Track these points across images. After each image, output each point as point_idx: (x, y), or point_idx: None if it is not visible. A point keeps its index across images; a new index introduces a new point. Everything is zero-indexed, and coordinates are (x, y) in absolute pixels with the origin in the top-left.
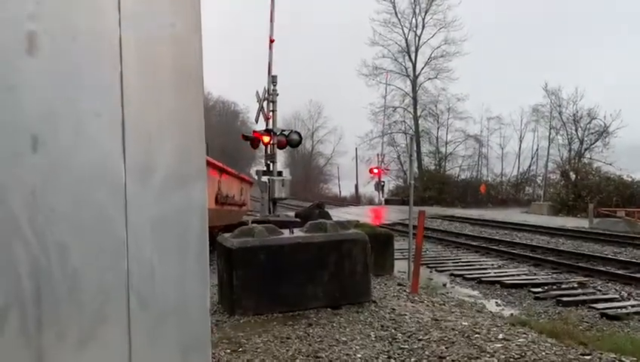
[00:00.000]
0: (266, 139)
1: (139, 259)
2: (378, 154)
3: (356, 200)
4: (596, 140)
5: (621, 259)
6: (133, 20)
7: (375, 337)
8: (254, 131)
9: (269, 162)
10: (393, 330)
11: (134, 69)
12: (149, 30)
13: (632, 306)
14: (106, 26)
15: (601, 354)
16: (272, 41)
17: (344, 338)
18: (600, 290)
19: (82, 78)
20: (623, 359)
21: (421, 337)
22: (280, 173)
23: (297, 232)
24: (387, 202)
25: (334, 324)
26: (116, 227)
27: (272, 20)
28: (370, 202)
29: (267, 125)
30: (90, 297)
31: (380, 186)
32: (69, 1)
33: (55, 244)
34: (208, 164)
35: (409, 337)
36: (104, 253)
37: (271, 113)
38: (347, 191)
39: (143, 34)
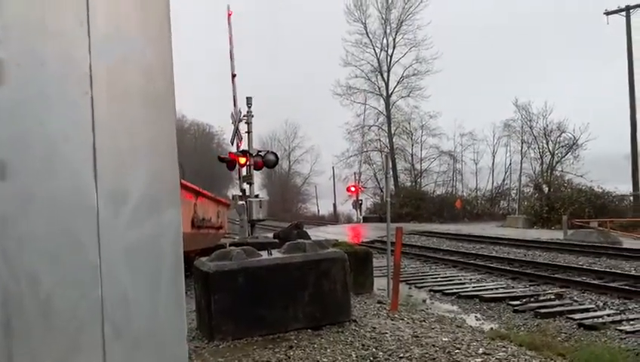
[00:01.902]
0: (242, 160)
1: (113, 286)
2: (355, 173)
3: (335, 218)
4: (567, 153)
5: (596, 269)
6: (103, 46)
7: (356, 357)
8: (230, 153)
9: (245, 183)
10: (374, 349)
11: (105, 94)
12: (119, 55)
13: (608, 315)
14: (76, 52)
15: None
16: (234, 76)
17: (325, 360)
18: (577, 301)
19: (52, 104)
20: None
21: (402, 355)
22: (256, 196)
23: (276, 253)
24: (365, 220)
25: (315, 346)
26: (89, 254)
27: (231, 58)
28: (349, 220)
29: (238, 149)
30: (63, 326)
31: (357, 204)
32: (36, 28)
33: (26, 273)
34: (184, 187)
35: (390, 355)
36: (77, 280)
37: (244, 136)
38: (325, 210)
39: (114, 59)
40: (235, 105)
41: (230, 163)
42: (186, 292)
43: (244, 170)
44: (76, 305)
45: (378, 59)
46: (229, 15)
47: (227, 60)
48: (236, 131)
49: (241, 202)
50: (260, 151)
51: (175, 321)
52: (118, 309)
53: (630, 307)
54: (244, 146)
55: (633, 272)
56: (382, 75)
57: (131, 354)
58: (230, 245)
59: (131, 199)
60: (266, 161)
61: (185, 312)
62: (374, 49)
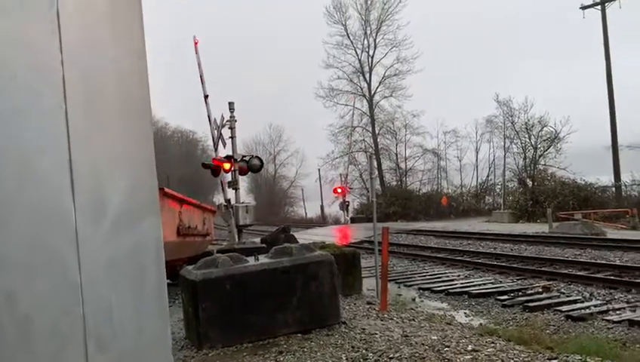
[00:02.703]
0: (227, 166)
1: (94, 301)
2: (341, 174)
3: (322, 220)
4: (549, 147)
5: (581, 260)
6: (75, 57)
7: (347, 359)
8: (214, 159)
9: (231, 189)
10: (364, 350)
11: (80, 105)
12: (92, 66)
13: (595, 306)
14: (47, 63)
15: (567, 356)
16: (206, 96)
17: None
18: (564, 293)
19: (24, 117)
20: (589, 360)
21: (392, 355)
22: (242, 203)
23: (263, 258)
24: (353, 221)
25: (305, 350)
26: (68, 270)
27: (202, 82)
28: (336, 222)
29: (214, 142)
30: (45, 344)
31: (344, 205)
32: (6, 39)
33: (3, 292)
34: (168, 195)
35: (380, 356)
36: (57, 298)
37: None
38: (313, 212)
39: (87, 70)
40: (210, 123)
41: (215, 169)
42: (174, 301)
43: (228, 176)
44: (57, 323)
45: (359, 60)
46: (196, 44)
47: (212, 64)
48: (219, 137)
49: (225, 209)
50: (245, 156)
51: (159, 333)
52: (101, 325)
53: (616, 297)
54: (227, 152)
55: (617, 262)
56: (364, 76)
57: None
58: (217, 252)
59: (110, 212)
60: (250, 166)
61: (169, 324)
62: (355, 50)
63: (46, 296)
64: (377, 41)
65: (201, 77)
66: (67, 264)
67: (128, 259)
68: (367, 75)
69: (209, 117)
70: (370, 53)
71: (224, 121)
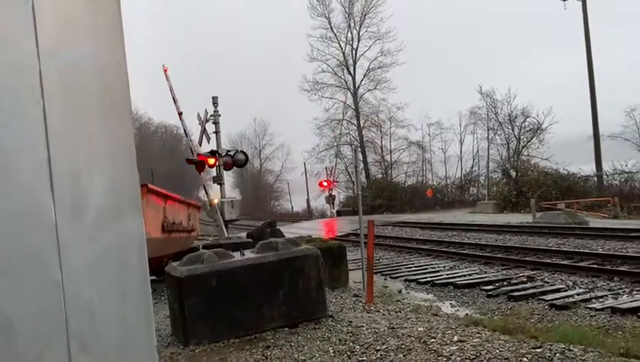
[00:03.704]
0: (212, 161)
1: (77, 301)
2: (327, 168)
3: (308, 214)
4: (532, 138)
5: (565, 249)
6: (53, 53)
7: (334, 352)
8: (199, 154)
9: (216, 184)
10: (351, 343)
11: (58, 103)
12: (71, 62)
13: (578, 294)
14: (23, 59)
15: (551, 345)
16: (180, 113)
17: (303, 357)
18: (547, 282)
19: (2, 116)
20: (572, 348)
21: (379, 347)
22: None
23: (248, 253)
24: (339, 214)
25: (292, 344)
26: (50, 270)
27: (175, 101)
28: (323, 215)
29: (193, 154)
30: (26, 347)
31: (330, 199)
32: None
33: None
34: (151, 191)
35: (367, 349)
36: (39, 299)
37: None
38: (299, 206)
39: (65, 66)
40: (186, 135)
41: (199, 164)
42: (160, 297)
43: (213, 171)
44: (39, 324)
45: (344, 53)
46: (165, 70)
47: (193, 59)
48: (203, 132)
49: (209, 204)
50: (230, 151)
51: (143, 332)
52: (83, 325)
53: (599, 285)
54: (212, 147)
55: (600, 251)
56: (348, 69)
57: None
58: (203, 247)
59: (91, 210)
60: (235, 161)
61: (153, 322)
62: (339, 43)
63: (27, 297)
64: (361, 33)
65: (173, 98)
66: (48, 264)
67: (110, 258)
68: (351, 68)
69: (185, 131)
70: (354, 45)
71: (208, 116)
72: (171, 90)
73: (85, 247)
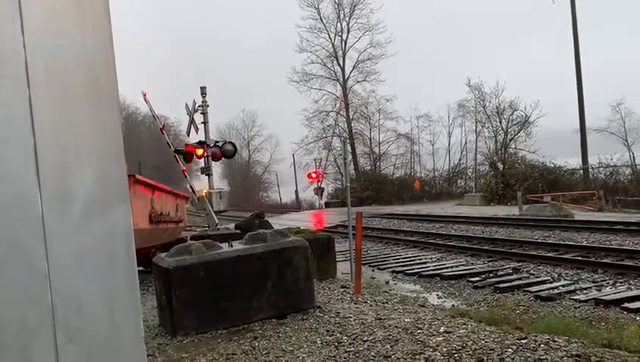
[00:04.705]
0: (200, 151)
1: (63, 292)
2: (315, 159)
3: (297, 206)
4: (519, 130)
5: (550, 241)
6: (38, 41)
7: (321, 343)
8: (187, 144)
9: (204, 175)
10: (339, 334)
11: (44, 92)
12: (56, 50)
13: (563, 286)
14: (7, 47)
15: (536, 336)
16: (161, 128)
17: (290, 348)
18: (533, 274)
19: None
20: (556, 339)
21: (366, 338)
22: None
23: (237, 245)
24: (327, 205)
25: (280, 335)
26: (36, 261)
27: (156, 119)
28: (311, 207)
29: (175, 150)
30: (12, 337)
31: (319, 190)
32: None
33: None
34: (139, 182)
35: (354, 339)
36: (24, 289)
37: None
38: (288, 197)
39: (51, 54)
40: (170, 146)
41: (187, 155)
42: (147, 288)
43: (201, 162)
44: (25, 315)
45: (333, 45)
46: (144, 95)
47: (179, 43)
48: (191, 122)
49: (195, 196)
50: (218, 142)
51: (131, 323)
52: (70, 316)
53: (583, 277)
54: (200, 137)
55: (585, 243)
56: (337, 61)
57: (87, 360)
58: (191, 239)
59: (77, 201)
60: (224, 152)
61: (141, 313)
62: (329, 34)
63: (13, 287)
64: (350, 25)
65: (154, 116)
66: (34, 255)
67: (97, 248)
68: (340, 60)
69: (168, 143)
70: (344, 37)
71: (196, 106)
72: (151, 110)
73: (72, 238)
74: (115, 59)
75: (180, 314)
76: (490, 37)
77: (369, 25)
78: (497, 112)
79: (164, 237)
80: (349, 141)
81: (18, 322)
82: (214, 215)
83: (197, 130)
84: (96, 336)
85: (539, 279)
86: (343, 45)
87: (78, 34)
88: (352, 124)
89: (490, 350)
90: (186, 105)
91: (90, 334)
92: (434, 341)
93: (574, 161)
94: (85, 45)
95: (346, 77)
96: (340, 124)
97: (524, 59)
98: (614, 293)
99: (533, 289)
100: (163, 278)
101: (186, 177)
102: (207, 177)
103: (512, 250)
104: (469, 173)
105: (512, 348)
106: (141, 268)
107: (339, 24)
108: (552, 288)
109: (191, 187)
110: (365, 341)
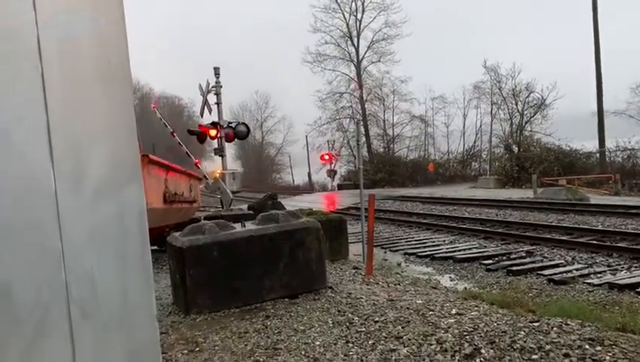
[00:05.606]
0: (213, 132)
1: (77, 269)
2: (328, 141)
3: (309, 187)
4: (535, 113)
5: (564, 225)
6: (51, 18)
7: (333, 323)
8: (200, 125)
9: (218, 155)
10: (350, 314)
11: (57, 71)
12: (70, 28)
13: (577, 270)
14: (20, 25)
15: (549, 319)
16: (172, 133)
17: (302, 327)
18: (546, 257)
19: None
20: (569, 322)
21: (377, 319)
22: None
23: (249, 225)
24: (340, 187)
25: (292, 314)
26: (50, 238)
27: (166, 126)
28: (324, 188)
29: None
30: (27, 312)
31: (332, 172)
32: None
33: None
34: (153, 162)
35: (365, 320)
36: (39, 266)
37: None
38: (300, 179)
39: (64, 32)
40: (181, 145)
41: (200, 135)
42: (162, 267)
43: (215, 143)
44: (40, 291)
45: (347, 25)
46: (154, 107)
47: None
48: (205, 103)
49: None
50: (231, 123)
51: (144, 300)
52: (84, 292)
53: (597, 261)
54: (214, 118)
55: (600, 227)
56: (352, 41)
57: (101, 337)
58: (204, 218)
59: (91, 179)
60: (237, 133)
61: (153, 291)
62: (343, 14)
63: (27, 265)
64: (365, 4)
65: (165, 124)
66: (48, 233)
67: (111, 227)
68: (355, 40)
69: (180, 144)
70: (359, 17)
71: (210, 87)
72: (162, 119)
73: (85, 216)
74: (127, 39)
75: (194, 292)
76: (508, 17)
77: (384, 4)
78: (513, 94)
79: (178, 216)
80: (362, 123)
81: (33, 298)
82: (230, 192)
83: (210, 110)
84: (110, 312)
85: (552, 262)
86: (358, 25)
87: (90, 11)
88: (366, 106)
89: (502, 332)
90: (200, 85)
91: (104, 310)
92: (445, 323)
93: (591, 145)
94: (98, 23)
95: (361, 57)
96: (353, 106)
97: (542, 40)
98: (629, 277)
99: (547, 272)
100: (177, 257)
101: (198, 168)
102: (220, 158)
103: (526, 233)
104: (484, 156)
105: (524, 331)
106: (155, 246)
107: (354, 4)
108: (566, 271)
109: (204, 176)
110: (376, 321)
